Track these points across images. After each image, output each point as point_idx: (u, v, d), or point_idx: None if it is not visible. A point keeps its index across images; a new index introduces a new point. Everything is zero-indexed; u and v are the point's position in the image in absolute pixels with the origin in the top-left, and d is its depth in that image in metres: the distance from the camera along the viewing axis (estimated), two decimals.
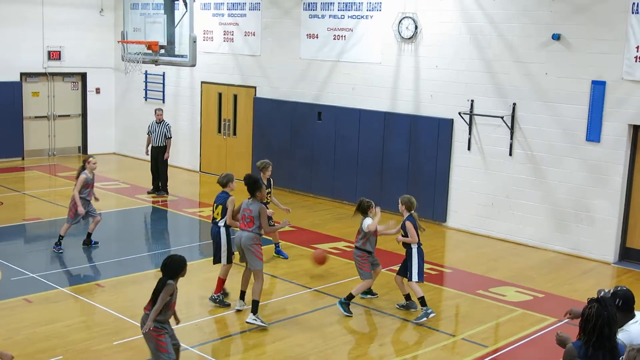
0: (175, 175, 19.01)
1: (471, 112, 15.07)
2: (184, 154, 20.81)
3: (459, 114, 15.15)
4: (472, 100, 15.03)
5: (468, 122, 15.13)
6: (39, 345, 9.28)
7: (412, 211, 10.62)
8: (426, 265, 12.71)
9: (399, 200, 10.74)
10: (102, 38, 22.51)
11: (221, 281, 10.84)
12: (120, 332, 9.75)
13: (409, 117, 16.06)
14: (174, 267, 7.86)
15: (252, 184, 10.20)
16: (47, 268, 12.35)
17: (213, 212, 10.94)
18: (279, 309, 10.82)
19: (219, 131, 20.16)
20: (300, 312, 10.66)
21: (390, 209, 16.45)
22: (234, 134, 19.81)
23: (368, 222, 10.57)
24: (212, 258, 11.10)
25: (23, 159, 21.46)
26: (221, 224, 10.76)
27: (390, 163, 16.44)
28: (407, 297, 10.83)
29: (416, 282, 10.56)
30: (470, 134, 15.16)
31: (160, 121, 17.70)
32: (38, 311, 10.26)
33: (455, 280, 12.46)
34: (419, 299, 10.53)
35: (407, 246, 10.64)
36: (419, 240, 10.58)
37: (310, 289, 11.54)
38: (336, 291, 11.37)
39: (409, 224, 10.51)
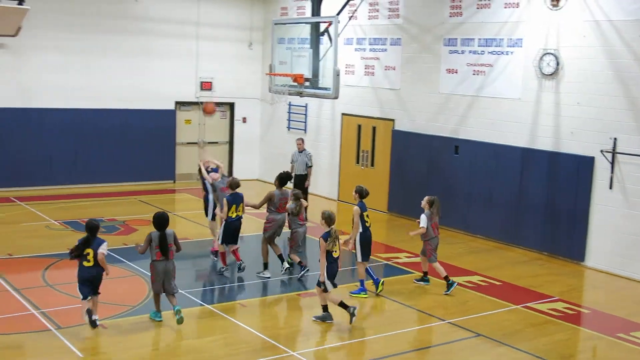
0: (314, 203, 19.24)
1: (614, 150, 14.47)
2: (323, 183, 21.06)
3: (601, 152, 14.59)
4: (615, 139, 14.43)
5: (610, 161, 14.53)
6: (183, 357, 9.60)
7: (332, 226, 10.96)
8: (562, 304, 12.36)
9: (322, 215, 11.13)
10: (250, 70, 23.28)
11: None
12: (260, 350, 9.93)
13: (548, 154, 15.61)
14: (167, 220, 10.56)
15: (286, 178, 13.75)
16: (194, 285, 12.77)
17: (236, 210, 13.03)
18: (412, 339, 10.70)
19: (357, 162, 20.31)
20: (435, 343, 10.49)
21: (524, 245, 16.03)
22: (372, 165, 19.90)
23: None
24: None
25: (174, 181, 22.40)
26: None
27: (527, 199, 16.01)
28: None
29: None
30: (612, 172, 14.54)
31: (301, 150, 18.03)
32: (184, 325, 10.58)
33: (594, 322, 11.89)
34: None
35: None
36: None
37: (444, 321, 11.35)
38: (469, 324, 11.13)
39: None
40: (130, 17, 21.17)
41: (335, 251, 10.89)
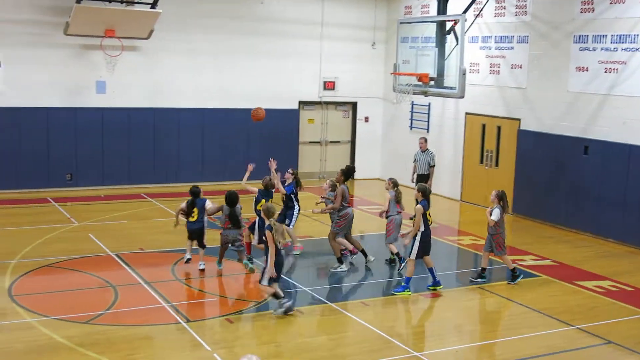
0: (436, 203, 19.07)
1: None
2: (445, 183, 20.88)
3: None
4: None
5: None
6: (306, 355, 9.73)
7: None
8: None
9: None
10: (373, 70, 23.37)
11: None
12: (382, 349, 9.96)
13: None
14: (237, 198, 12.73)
15: (352, 171, 14.37)
16: (317, 283, 12.97)
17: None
18: (539, 343, 10.44)
19: (481, 162, 20.01)
20: (563, 349, 10.20)
21: None
22: (496, 165, 19.54)
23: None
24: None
25: None
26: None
27: None
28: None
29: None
30: None
31: (424, 150, 17.93)
32: (308, 323, 10.78)
33: None
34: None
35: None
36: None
37: (572, 326, 11.02)
38: (598, 331, 10.77)
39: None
40: (256, 18, 21.68)
41: (280, 242, 11.01)
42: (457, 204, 20.40)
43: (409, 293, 12.19)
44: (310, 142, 23.31)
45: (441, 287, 12.45)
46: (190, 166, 21.37)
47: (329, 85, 22.94)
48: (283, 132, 22.34)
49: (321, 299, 11.90)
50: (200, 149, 21.49)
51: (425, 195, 12.41)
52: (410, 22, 18.28)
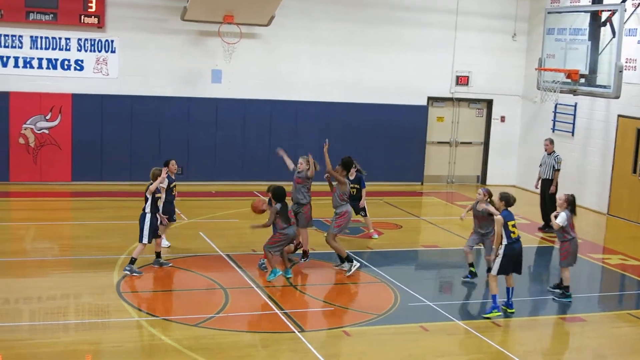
0: (580, 216, 18.54)
1: None
2: (591, 194, 20.24)
3: None
4: None
5: None
6: None
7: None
8: None
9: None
10: (512, 64, 22.96)
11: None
12: None
13: None
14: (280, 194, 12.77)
15: (351, 163, 14.59)
16: (443, 298, 12.87)
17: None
18: None
19: (634, 171, 19.29)
20: None
21: None
22: None
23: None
24: None
25: (422, 184, 22.65)
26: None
27: None
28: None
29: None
30: None
31: (550, 152, 17.51)
32: (434, 341, 10.69)
33: None
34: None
35: None
36: None
37: None
38: None
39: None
40: (384, 5, 21.73)
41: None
42: (604, 218, 19.74)
43: (498, 313, 11.78)
44: (439, 143, 23.12)
45: (513, 311, 11.94)
46: None
47: (462, 80, 22.70)
48: (409, 131, 22.27)
49: (448, 315, 11.76)
50: (319, 145, 21.54)
51: (508, 204, 12.04)
52: (561, 12, 17.77)
